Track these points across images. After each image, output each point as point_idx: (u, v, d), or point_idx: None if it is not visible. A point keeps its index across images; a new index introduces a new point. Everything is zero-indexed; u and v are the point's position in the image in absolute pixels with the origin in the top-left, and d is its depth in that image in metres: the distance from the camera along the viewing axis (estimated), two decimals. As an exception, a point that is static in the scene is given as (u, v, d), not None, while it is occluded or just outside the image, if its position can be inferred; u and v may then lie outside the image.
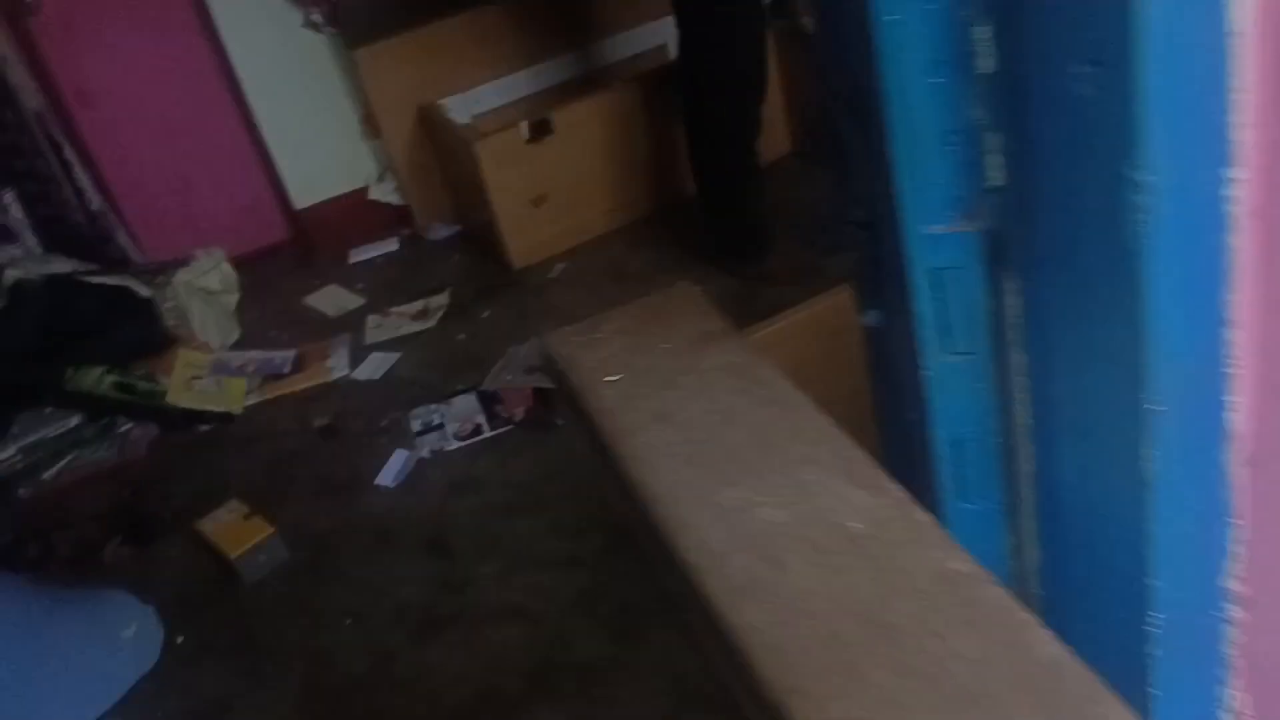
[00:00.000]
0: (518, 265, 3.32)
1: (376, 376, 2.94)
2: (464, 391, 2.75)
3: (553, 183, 3.26)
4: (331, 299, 3.41)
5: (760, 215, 2.91)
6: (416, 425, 2.67)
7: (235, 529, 2.34)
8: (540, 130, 3.16)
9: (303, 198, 3.65)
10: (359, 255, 3.65)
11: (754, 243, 2.92)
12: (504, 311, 3.12)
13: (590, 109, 3.24)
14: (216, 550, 2.32)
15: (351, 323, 3.23)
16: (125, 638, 2.01)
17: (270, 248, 3.75)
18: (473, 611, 2.08)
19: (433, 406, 2.72)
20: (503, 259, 3.33)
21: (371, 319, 3.22)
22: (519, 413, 2.62)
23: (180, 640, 2.16)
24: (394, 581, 2.20)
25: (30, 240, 3.32)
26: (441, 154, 3.54)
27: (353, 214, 3.69)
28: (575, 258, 3.32)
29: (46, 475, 2.72)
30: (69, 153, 3.28)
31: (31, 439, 2.74)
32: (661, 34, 3.56)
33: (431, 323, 3.13)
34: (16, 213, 3.28)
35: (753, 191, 2.87)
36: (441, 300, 3.23)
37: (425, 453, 2.56)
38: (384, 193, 3.71)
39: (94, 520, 2.56)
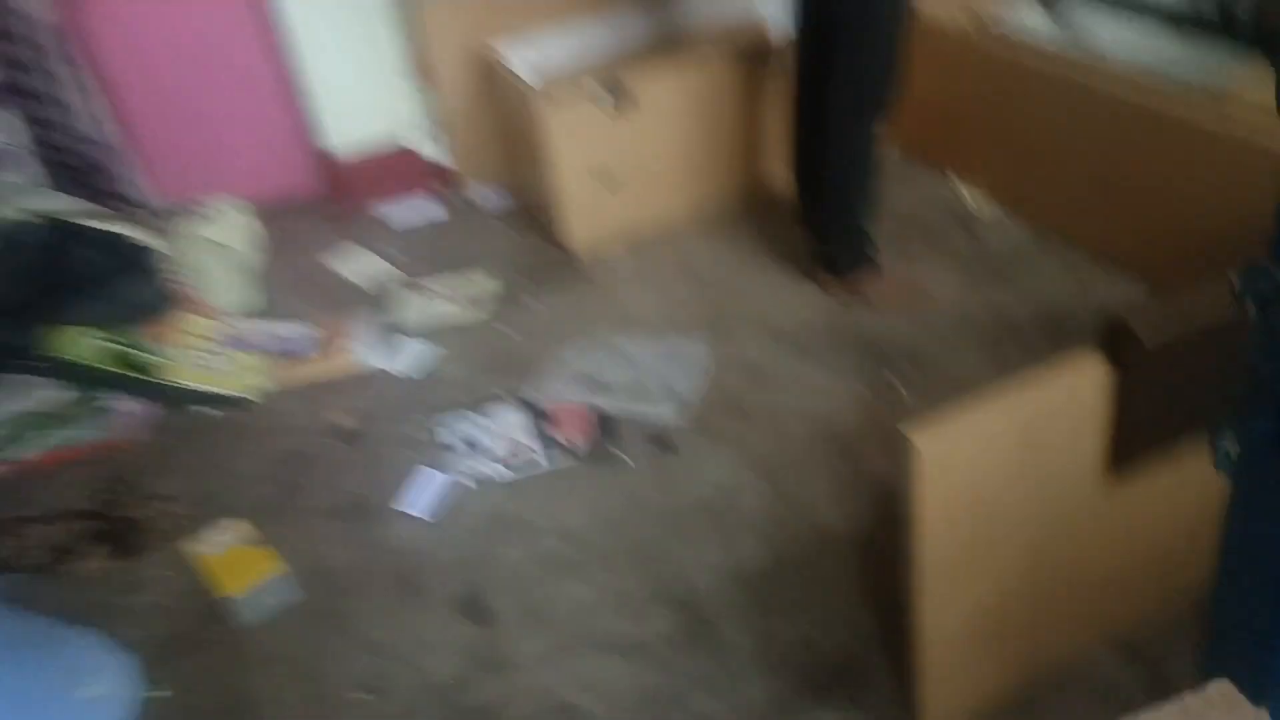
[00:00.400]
0: (578, 251, 2.91)
1: (414, 373, 2.55)
2: (512, 403, 2.37)
3: (626, 162, 2.85)
4: (364, 266, 3.01)
5: (870, 223, 2.49)
6: (454, 440, 2.29)
7: (237, 560, 1.97)
8: (622, 101, 2.74)
9: (339, 147, 3.23)
10: (398, 218, 3.25)
11: (861, 255, 2.50)
12: (561, 305, 2.72)
13: (679, 82, 2.80)
14: (212, 580, 1.96)
15: (385, 299, 2.84)
16: (91, 697, 1.65)
17: (296, 200, 3.34)
18: (512, 704, 1.72)
19: (476, 418, 2.34)
20: (561, 241, 2.93)
21: (409, 297, 2.82)
22: (578, 440, 2.23)
23: (158, 695, 1.81)
24: (420, 648, 1.84)
25: (31, 168, 2.92)
26: (502, 114, 3.11)
27: (394, 170, 3.28)
28: (643, 249, 2.92)
29: (22, 456, 2.36)
30: (81, 73, 2.87)
31: (6, 411, 2.37)
32: (758, 7, 3.11)
33: (482, 314, 2.74)
34: (18, 136, 2.88)
35: (868, 193, 2.45)
36: (490, 285, 2.83)
37: (466, 478, 2.18)
38: (432, 150, 3.29)
39: (74, 518, 2.19)
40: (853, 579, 1.83)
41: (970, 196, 2.86)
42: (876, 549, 1.88)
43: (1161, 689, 1.54)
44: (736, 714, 1.64)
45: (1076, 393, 1.30)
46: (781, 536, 1.93)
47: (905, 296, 2.46)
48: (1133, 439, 1.33)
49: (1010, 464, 1.31)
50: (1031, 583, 1.45)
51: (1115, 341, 1.28)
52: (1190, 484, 1.44)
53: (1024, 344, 2.31)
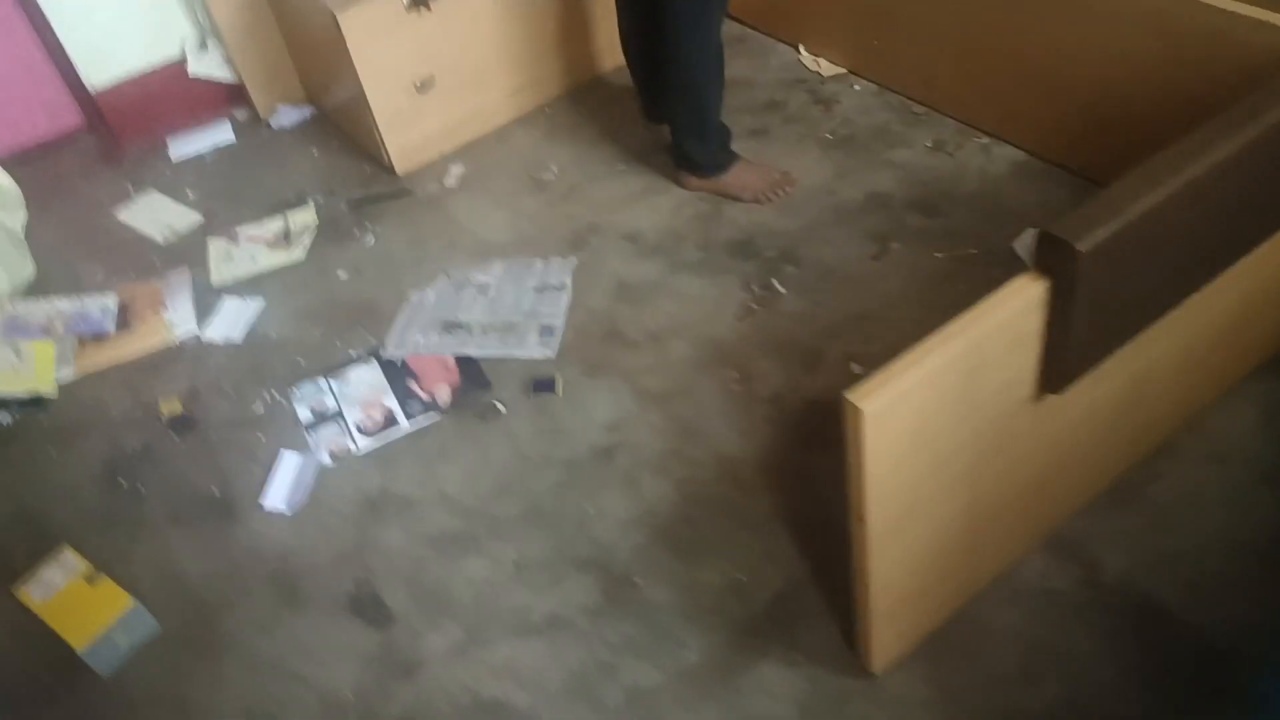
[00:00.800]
0: (401, 168, 2.61)
1: (236, 337, 2.24)
2: (360, 360, 2.12)
3: (439, 61, 2.53)
4: (154, 213, 2.62)
5: (723, 112, 2.30)
6: (304, 412, 2.04)
7: (76, 600, 1.71)
8: (425, -6, 2.41)
9: (97, 74, 2.75)
10: (182, 149, 2.83)
11: (721, 149, 2.32)
12: (394, 235, 2.44)
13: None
14: (54, 630, 1.69)
15: (188, 251, 2.48)
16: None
17: (57, 141, 2.86)
18: (429, 710, 1.56)
19: (321, 383, 2.09)
20: (379, 159, 2.62)
21: (214, 245, 2.48)
22: (442, 393, 2.02)
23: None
24: (312, 661, 1.65)
25: None
26: (287, 20, 2.71)
27: (167, 94, 2.84)
28: (475, 156, 2.64)
29: None
30: None
31: None
32: None
33: (298, 253, 2.43)
34: None
35: (721, 81, 2.25)
36: (306, 218, 2.51)
37: (324, 456, 1.95)
38: (207, 66, 2.85)
39: None
40: (768, 507, 1.73)
41: (825, 69, 2.69)
42: (789, 470, 1.79)
43: (1094, 582, 1.54)
44: (673, 677, 1.54)
45: (1013, 318, 1.20)
46: (685, 472, 1.81)
47: (771, 187, 2.31)
48: (1072, 353, 1.25)
49: (949, 405, 1.21)
50: (969, 508, 1.38)
51: (1048, 252, 1.18)
52: (1119, 373, 1.39)
53: (901, 224, 2.21)
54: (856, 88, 2.62)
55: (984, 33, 2.25)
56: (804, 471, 1.77)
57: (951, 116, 2.45)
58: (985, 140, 2.37)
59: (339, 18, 2.33)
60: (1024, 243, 2.08)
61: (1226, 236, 1.36)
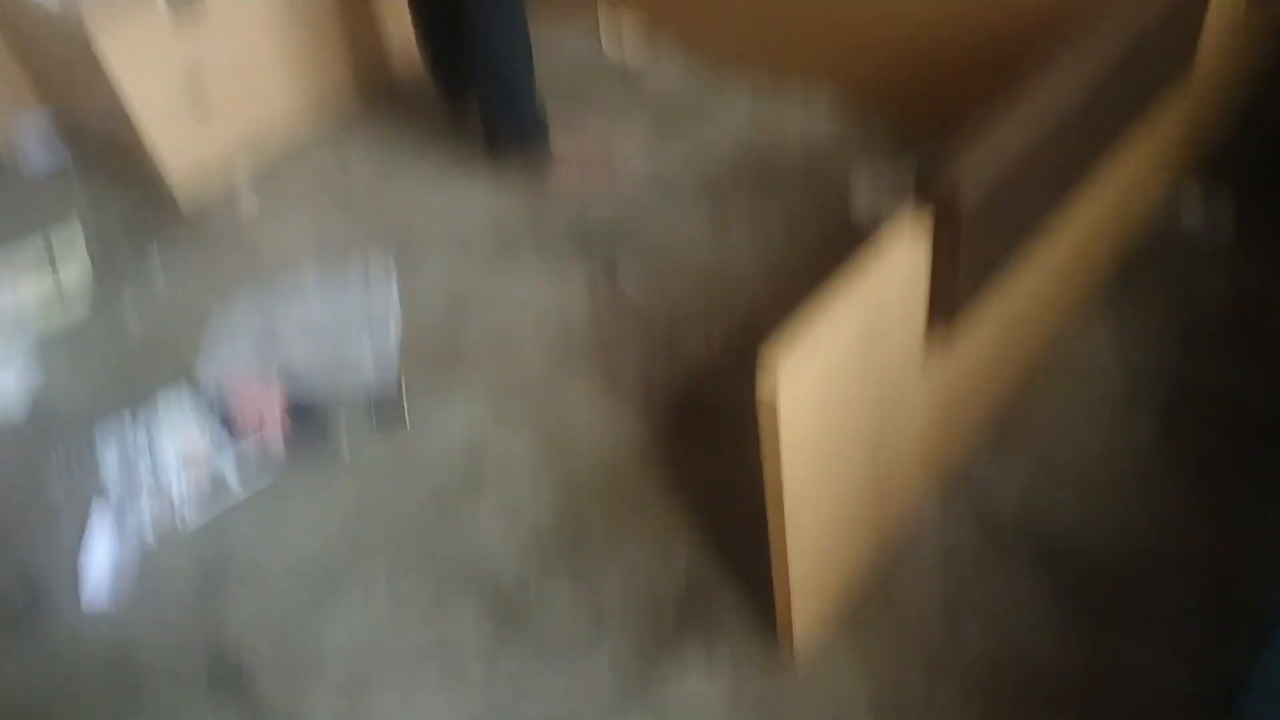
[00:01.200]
0: (185, 197, 2.35)
1: (14, 413, 1.94)
2: (172, 421, 1.87)
3: (216, 76, 2.29)
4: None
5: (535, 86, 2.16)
6: (114, 488, 1.77)
7: None
8: (185, -1, 2.16)
9: None
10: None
11: (537, 136, 2.20)
12: (188, 273, 2.19)
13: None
14: None
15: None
16: None
17: None
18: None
19: (130, 451, 1.82)
20: (159, 190, 2.34)
21: (-29, 314, 2.14)
22: (275, 443, 1.81)
23: None
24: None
25: None
26: (20, 39, 2.39)
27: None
28: (268, 175, 2.41)
29: None
30: None
31: None
32: None
33: (76, 310, 2.13)
34: None
35: (531, 64, 2.12)
36: (79, 272, 2.22)
37: (147, 535, 1.70)
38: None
39: None
40: (655, 499, 1.63)
41: (626, 44, 2.60)
42: (670, 460, 1.68)
43: (993, 524, 1.52)
44: (590, 690, 1.41)
45: (905, 255, 1.14)
46: (561, 478, 1.68)
47: (593, 169, 2.21)
48: (961, 283, 1.21)
49: (853, 356, 1.14)
50: (873, 466, 1.32)
51: (929, 181, 1.13)
52: (995, 309, 1.37)
53: (733, 192, 2.15)
54: (660, 58, 2.55)
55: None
56: (686, 459, 1.68)
57: (764, 75, 2.41)
58: (801, 96, 2.35)
59: (94, 37, 2.05)
60: (859, 195, 2.07)
61: (1078, 154, 1.36)
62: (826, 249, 1.96)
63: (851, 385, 1.16)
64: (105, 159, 2.46)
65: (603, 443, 1.72)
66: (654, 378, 1.81)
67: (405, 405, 1.83)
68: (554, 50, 2.60)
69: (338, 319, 2.01)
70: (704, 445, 1.68)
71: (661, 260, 2.03)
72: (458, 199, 2.26)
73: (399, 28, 2.53)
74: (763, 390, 1.03)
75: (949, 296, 1.22)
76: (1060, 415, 1.64)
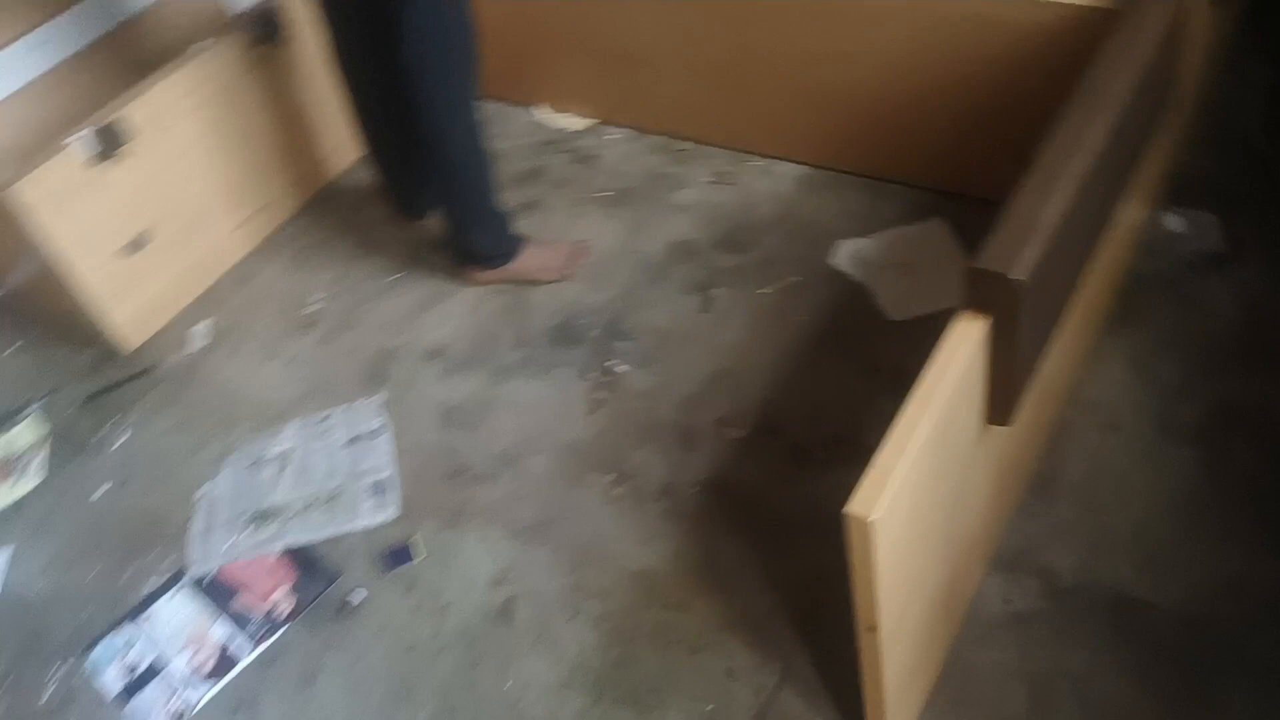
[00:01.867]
0: (132, 343, 2.21)
1: (-12, 610, 1.79)
2: (163, 591, 1.74)
3: (148, 211, 2.16)
4: None
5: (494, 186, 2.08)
6: (112, 680, 1.63)
7: None
8: (111, 141, 2.03)
9: None
10: None
11: (505, 233, 2.11)
12: (151, 424, 2.05)
13: (175, 94, 2.14)
14: None
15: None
16: None
17: None
18: None
19: (123, 635, 1.69)
20: (100, 339, 2.20)
21: (-81, 502, 1.98)
22: (282, 601, 1.68)
23: None
24: None
25: None
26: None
27: None
28: (220, 306, 2.28)
29: None
30: None
31: None
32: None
33: (33, 481, 1.98)
34: None
35: (489, 161, 2.03)
36: (30, 435, 2.06)
37: (159, 727, 1.57)
38: None
39: None
40: (706, 617, 1.55)
41: (573, 125, 2.52)
42: (711, 568, 1.61)
43: (1055, 590, 1.47)
44: None
45: (965, 370, 1.09)
46: (600, 607, 1.59)
47: (568, 260, 2.13)
48: (1016, 379, 1.16)
49: (930, 476, 1.08)
50: (948, 553, 1.27)
51: (982, 288, 1.08)
52: (1043, 371, 1.33)
53: (714, 268, 2.09)
54: (611, 137, 2.49)
55: (738, 57, 2.17)
56: (727, 564, 1.60)
57: (719, 146, 2.36)
58: (761, 162, 2.30)
59: (9, 194, 1.91)
60: (842, 257, 2.03)
61: (1104, 203, 1.33)
62: (824, 312, 1.92)
63: (927, 491, 1.11)
64: (39, 313, 2.29)
65: (635, 557, 1.64)
66: (676, 476, 1.74)
67: (415, 537, 1.72)
68: (500, 139, 2.50)
69: (323, 449, 1.90)
70: (741, 534, 1.61)
71: (657, 345, 1.96)
72: (428, 305, 2.16)
73: (333, 130, 2.43)
74: (855, 530, 0.96)
75: (1008, 383, 1.17)
76: (1096, 460, 1.61)
